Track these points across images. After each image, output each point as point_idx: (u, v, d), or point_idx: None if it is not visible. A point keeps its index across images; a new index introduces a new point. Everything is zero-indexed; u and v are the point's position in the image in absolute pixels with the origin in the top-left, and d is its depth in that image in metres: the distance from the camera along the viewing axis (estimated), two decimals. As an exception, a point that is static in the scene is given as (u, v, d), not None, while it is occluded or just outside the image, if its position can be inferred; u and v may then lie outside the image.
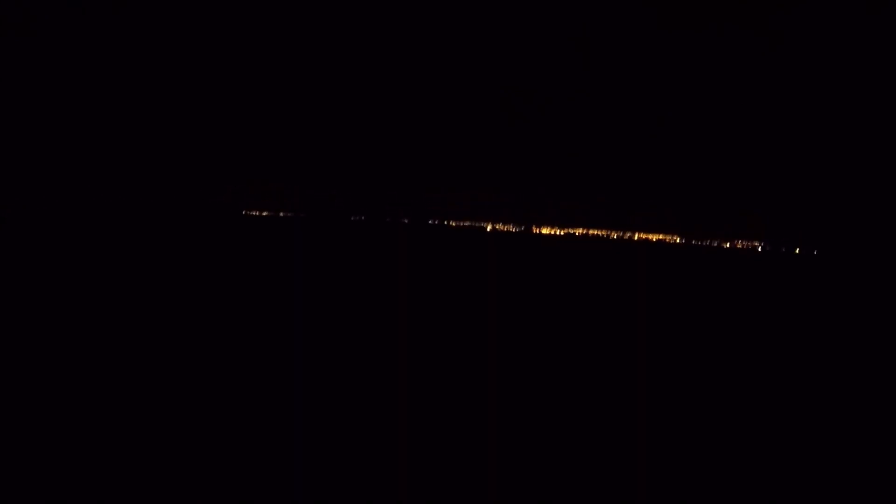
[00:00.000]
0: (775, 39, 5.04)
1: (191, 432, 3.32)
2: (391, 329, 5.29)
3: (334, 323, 5.32)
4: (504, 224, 6.43)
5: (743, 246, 5.89)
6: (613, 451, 3.43)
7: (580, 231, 6.15)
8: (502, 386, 4.21)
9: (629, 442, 3.55)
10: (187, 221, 7.33)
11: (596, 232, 6.09)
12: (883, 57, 4.95)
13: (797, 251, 5.69)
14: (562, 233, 6.08)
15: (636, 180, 5.76)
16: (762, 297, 5.91)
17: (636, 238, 6.04)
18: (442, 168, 6.42)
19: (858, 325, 5.42)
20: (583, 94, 5.70)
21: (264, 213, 7.05)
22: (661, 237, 5.86)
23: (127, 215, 7.17)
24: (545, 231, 6.26)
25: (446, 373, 4.42)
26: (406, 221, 6.80)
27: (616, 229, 5.98)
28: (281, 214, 7.12)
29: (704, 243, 5.88)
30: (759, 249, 5.83)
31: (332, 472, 3.05)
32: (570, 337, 5.31)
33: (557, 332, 5.43)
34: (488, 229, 6.56)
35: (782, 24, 5.04)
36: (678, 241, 5.88)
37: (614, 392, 4.22)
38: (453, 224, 6.63)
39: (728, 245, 5.80)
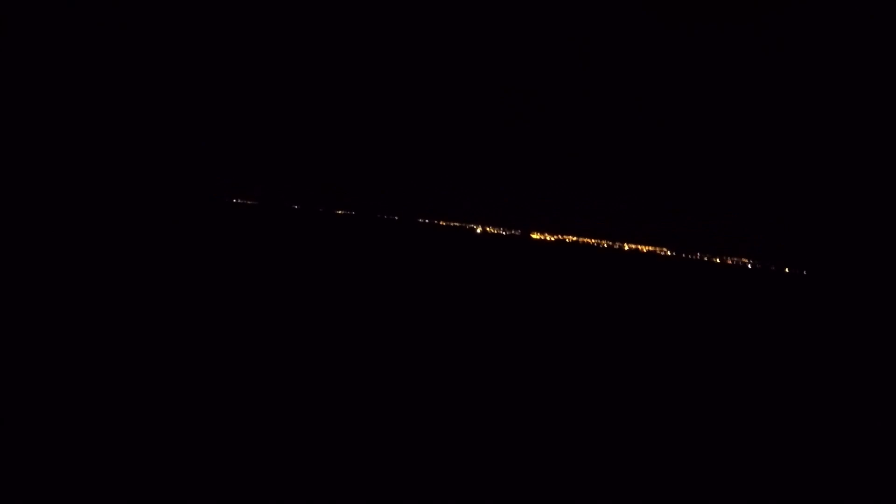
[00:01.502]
0: (777, 48, 5.08)
1: (190, 427, 3.24)
2: (380, 327, 5.22)
3: (327, 320, 5.25)
4: (495, 227, 6.40)
5: (733, 262, 5.87)
6: (590, 460, 3.39)
7: (571, 238, 6.12)
8: (487, 390, 4.15)
9: (606, 454, 3.50)
10: (186, 219, 7.30)
11: (587, 240, 6.06)
12: (882, 70, 5.00)
13: (786, 270, 5.66)
14: (553, 239, 6.04)
15: (632, 191, 5.76)
16: (749, 314, 5.88)
17: (626, 248, 6.01)
18: (440, 169, 6.43)
19: (846, 345, 5.40)
20: (583, 96, 5.72)
21: (263, 210, 7.04)
22: (651, 249, 5.83)
23: (128, 214, 7.14)
24: (536, 237, 6.23)
25: (437, 374, 4.35)
26: (396, 219, 6.78)
27: (607, 239, 5.95)
28: (278, 209, 7.10)
29: (694, 257, 5.85)
30: (749, 267, 5.81)
31: (329, 470, 2.98)
32: (555, 344, 5.26)
33: (543, 338, 5.38)
34: (478, 231, 6.55)
35: (784, 32, 5.08)
36: (669, 254, 5.85)
37: (598, 400, 4.18)
38: (443, 224, 6.60)
39: (718, 261, 5.78)
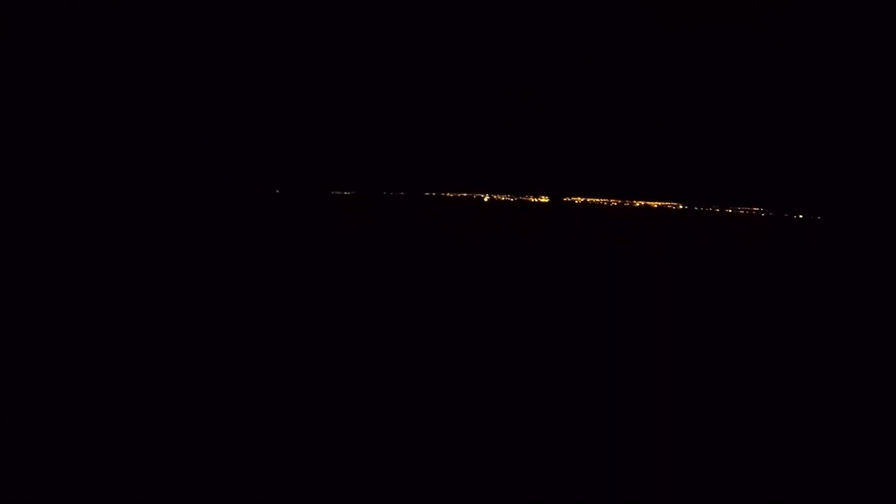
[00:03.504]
0: (770, 34, 4.93)
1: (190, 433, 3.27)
2: (384, 305, 5.20)
3: (342, 311, 5.24)
4: (501, 194, 6.29)
5: (745, 212, 5.77)
6: (613, 436, 3.36)
7: (579, 200, 6.01)
8: (491, 368, 4.13)
9: (633, 427, 3.47)
10: (191, 226, 7.28)
11: (595, 200, 5.95)
12: (882, 52, 4.83)
13: (800, 217, 5.56)
14: (558, 201, 5.94)
15: (634, 151, 5.63)
16: (767, 267, 5.81)
17: (637, 205, 5.91)
18: (441, 167, 6.32)
19: (868, 298, 5.32)
20: (583, 93, 5.56)
21: (262, 200, 6.96)
22: (662, 204, 5.73)
23: (129, 218, 7.12)
24: (543, 200, 6.12)
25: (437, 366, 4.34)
26: (402, 194, 6.70)
27: (615, 197, 5.85)
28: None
29: (707, 209, 5.75)
30: (762, 216, 5.70)
31: (326, 473, 3.00)
32: (568, 313, 5.22)
33: (552, 308, 5.34)
34: (486, 199, 6.44)
35: (781, 22, 4.92)
36: (680, 207, 5.74)
37: (614, 368, 4.15)
38: (450, 195, 6.51)
39: (730, 211, 5.67)
